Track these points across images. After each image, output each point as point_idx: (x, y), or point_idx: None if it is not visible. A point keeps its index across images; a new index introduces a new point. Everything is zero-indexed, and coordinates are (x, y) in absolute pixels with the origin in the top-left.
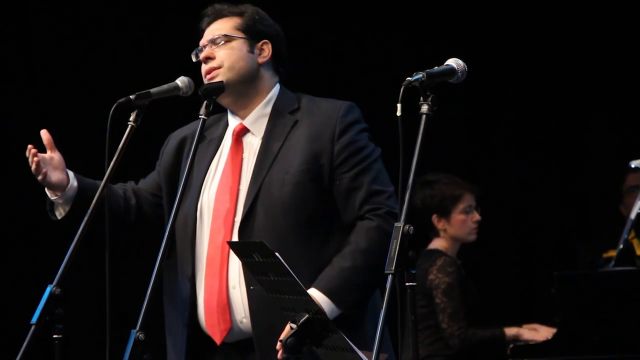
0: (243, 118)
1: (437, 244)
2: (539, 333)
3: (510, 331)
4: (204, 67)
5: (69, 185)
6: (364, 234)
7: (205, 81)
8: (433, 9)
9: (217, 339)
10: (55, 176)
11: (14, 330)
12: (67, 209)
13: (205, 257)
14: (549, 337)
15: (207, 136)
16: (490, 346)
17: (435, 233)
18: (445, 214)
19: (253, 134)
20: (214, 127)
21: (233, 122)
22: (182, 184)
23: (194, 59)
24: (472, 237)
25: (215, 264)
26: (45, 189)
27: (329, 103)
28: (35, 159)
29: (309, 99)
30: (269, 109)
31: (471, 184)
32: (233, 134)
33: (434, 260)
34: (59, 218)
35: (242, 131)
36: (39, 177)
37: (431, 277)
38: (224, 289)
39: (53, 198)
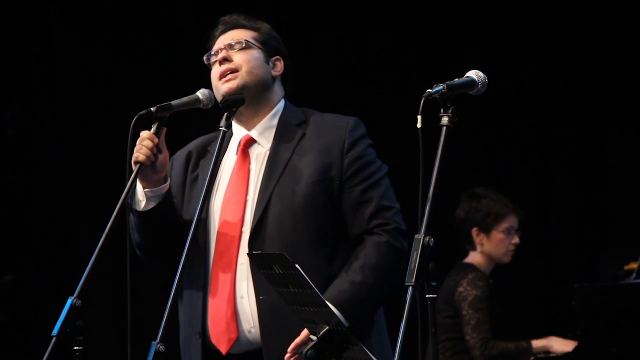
0: (249, 129)
1: (472, 258)
2: (568, 345)
3: (538, 343)
4: (220, 69)
5: (165, 184)
6: (374, 249)
7: (220, 84)
8: (451, 23)
9: (223, 349)
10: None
11: (35, 343)
12: (153, 205)
13: (212, 267)
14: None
15: (210, 150)
16: (516, 358)
17: (472, 246)
18: (487, 229)
19: (260, 145)
20: (216, 142)
21: (239, 133)
22: (203, 196)
23: (205, 62)
24: (507, 259)
25: (223, 273)
26: (138, 181)
27: (336, 117)
28: (155, 141)
29: (315, 113)
30: (275, 121)
31: (518, 207)
32: (240, 145)
33: (465, 274)
34: (139, 210)
35: (249, 142)
36: (151, 159)
37: (460, 289)
38: (231, 298)
39: (146, 190)
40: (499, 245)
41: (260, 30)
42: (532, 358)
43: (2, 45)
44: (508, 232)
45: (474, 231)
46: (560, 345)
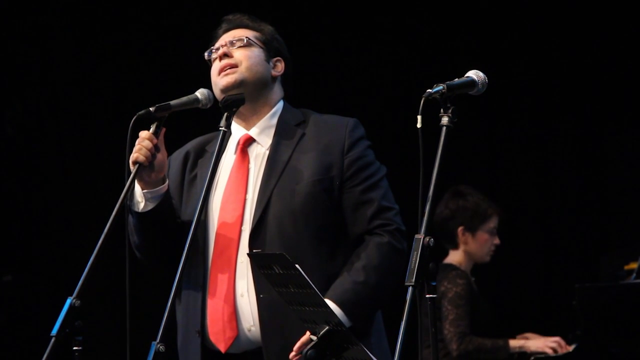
0: (248, 129)
1: (452, 258)
2: (546, 345)
3: (515, 343)
4: (220, 64)
5: (164, 184)
6: (375, 249)
7: (219, 78)
8: (451, 22)
9: (222, 348)
10: (157, 168)
11: (35, 343)
12: (152, 206)
13: (210, 266)
14: (560, 349)
15: (208, 149)
16: (492, 355)
17: (453, 245)
18: (473, 229)
19: (259, 144)
20: (213, 142)
21: (237, 132)
22: (203, 196)
23: (206, 58)
24: (488, 259)
25: (222, 272)
26: (136, 182)
27: (336, 118)
28: (154, 141)
29: (314, 114)
30: (274, 121)
31: (500, 208)
32: (238, 144)
33: (446, 274)
34: (138, 211)
35: (248, 141)
36: (149, 159)
37: (442, 288)
38: (230, 296)
39: (144, 190)
40: (482, 245)
41: (262, 30)
42: (532, 358)
43: (2, 45)
44: (491, 232)
45: (460, 230)
46: (537, 345)
